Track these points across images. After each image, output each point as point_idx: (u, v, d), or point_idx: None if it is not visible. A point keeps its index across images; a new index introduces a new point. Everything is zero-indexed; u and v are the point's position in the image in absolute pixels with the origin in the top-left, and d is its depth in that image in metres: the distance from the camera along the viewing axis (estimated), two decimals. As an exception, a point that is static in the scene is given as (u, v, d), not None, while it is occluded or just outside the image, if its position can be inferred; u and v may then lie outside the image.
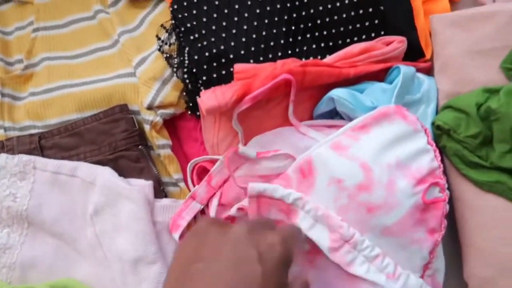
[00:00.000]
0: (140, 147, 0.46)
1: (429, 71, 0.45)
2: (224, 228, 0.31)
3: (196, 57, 0.43)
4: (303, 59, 0.43)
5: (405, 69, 0.40)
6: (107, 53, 0.49)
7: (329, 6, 0.42)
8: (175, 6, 0.44)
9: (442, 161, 0.40)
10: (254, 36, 0.43)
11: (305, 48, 0.44)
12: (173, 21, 0.45)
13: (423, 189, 0.38)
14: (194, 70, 0.44)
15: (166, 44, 0.46)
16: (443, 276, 0.40)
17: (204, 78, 0.43)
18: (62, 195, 0.46)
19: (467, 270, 0.42)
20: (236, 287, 0.27)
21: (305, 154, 0.39)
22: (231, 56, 0.42)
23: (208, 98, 0.38)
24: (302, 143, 0.41)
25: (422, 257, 0.39)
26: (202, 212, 0.46)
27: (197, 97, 0.44)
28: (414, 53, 0.44)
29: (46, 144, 0.47)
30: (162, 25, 0.46)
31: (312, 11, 0.43)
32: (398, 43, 0.41)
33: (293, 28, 0.43)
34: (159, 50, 0.46)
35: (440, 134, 0.42)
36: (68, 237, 0.46)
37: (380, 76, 0.42)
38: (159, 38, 0.46)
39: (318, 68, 0.39)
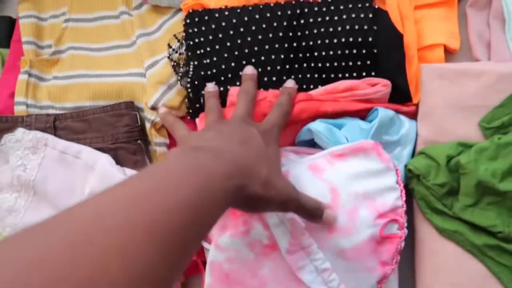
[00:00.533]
0: (139, 141, 0.51)
1: (413, 116, 0.47)
2: (220, 122, 0.40)
3: (199, 71, 0.47)
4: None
5: (383, 113, 0.42)
6: (124, 51, 0.54)
7: (327, 41, 0.45)
8: (188, 20, 0.48)
9: (407, 202, 0.42)
10: (253, 60, 0.46)
11: (300, 76, 0.46)
12: (185, 33, 0.49)
13: (382, 223, 0.41)
14: (196, 83, 0.47)
15: (176, 52, 0.50)
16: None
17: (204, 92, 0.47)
18: (65, 173, 0.51)
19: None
20: (245, 144, 0.34)
21: (283, 168, 0.42)
22: (229, 76, 0.46)
23: None
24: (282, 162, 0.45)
25: (370, 285, 0.42)
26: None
27: (197, 105, 0.49)
28: (402, 96, 0.46)
29: (59, 125, 0.53)
30: (175, 35, 0.50)
31: (311, 43, 0.45)
32: (382, 86, 0.43)
33: (291, 56, 0.46)
34: (168, 57, 0.50)
35: (411, 177, 0.45)
36: (65, 210, 0.51)
37: (362, 114, 0.45)
38: (170, 47, 0.50)
39: (301, 104, 0.42)
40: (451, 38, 0.46)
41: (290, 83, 0.45)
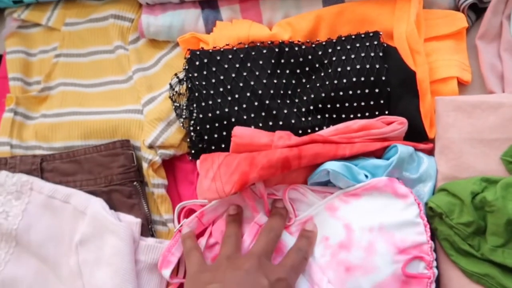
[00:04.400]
0: (135, 183, 0.47)
1: (431, 152, 0.44)
2: (234, 259, 0.38)
3: (201, 115, 0.44)
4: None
5: (402, 149, 0.40)
6: (120, 87, 0.51)
7: (335, 82, 0.43)
8: (186, 67, 0.46)
9: (433, 240, 0.39)
10: (256, 103, 0.44)
11: (310, 119, 0.44)
12: (186, 77, 0.46)
13: (404, 259, 0.38)
14: (200, 125, 0.44)
15: (177, 93, 0.47)
16: None
17: (206, 137, 0.44)
18: (52, 220, 0.47)
19: None
20: None
21: (307, 213, 0.42)
22: (233, 119, 0.44)
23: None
24: (300, 200, 0.42)
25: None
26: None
27: (199, 145, 0.45)
28: (417, 134, 0.44)
29: (47, 166, 0.48)
30: (176, 74, 0.47)
31: (318, 84, 0.43)
32: (399, 124, 0.41)
33: (296, 101, 0.44)
34: (170, 98, 0.47)
35: (433, 216, 0.42)
36: (51, 262, 0.46)
37: (378, 153, 0.42)
38: (171, 87, 0.47)
39: (314, 148, 0.39)
40: (463, 70, 0.45)
41: (310, 226, 0.41)
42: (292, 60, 0.45)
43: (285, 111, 0.44)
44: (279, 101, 0.44)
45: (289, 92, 0.44)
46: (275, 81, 0.44)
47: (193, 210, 0.46)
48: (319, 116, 0.44)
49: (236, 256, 0.38)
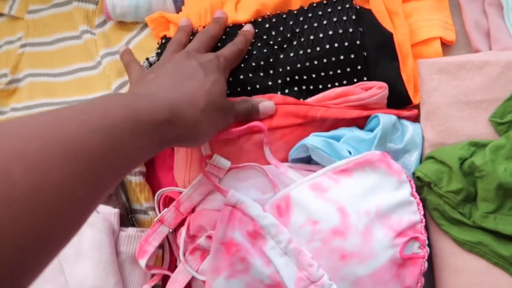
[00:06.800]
0: (111, 172, 0.45)
1: (416, 119, 0.42)
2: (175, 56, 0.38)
3: None
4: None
5: (385, 119, 0.37)
6: (89, 74, 0.49)
7: (309, 50, 0.40)
8: (159, 51, 0.44)
9: (424, 215, 0.37)
10: (230, 79, 0.41)
11: (286, 91, 0.42)
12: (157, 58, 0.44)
13: (402, 242, 0.36)
14: None
15: None
16: None
17: None
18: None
19: (440, 335, 0.39)
20: (181, 82, 0.34)
21: (283, 191, 0.38)
22: None
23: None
24: (280, 180, 0.40)
25: (393, 315, 0.36)
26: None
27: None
28: (400, 100, 0.41)
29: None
30: (147, 59, 0.45)
31: (291, 54, 0.41)
32: (378, 89, 0.39)
33: (271, 73, 0.42)
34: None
35: (421, 186, 0.40)
36: (32, 259, 0.45)
37: (360, 122, 0.40)
38: None
39: (285, 107, 0.37)
40: (446, 30, 0.42)
41: (247, 27, 0.43)
42: (264, 37, 0.42)
43: (260, 85, 0.41)
44: (252, 75, 0.42)
45: (263, 64, 0.42)
46: (246, 56, 0.42)
47: (171, 198, 0.44)
48: (296, 88, 0.42)
49: (174, 55, 0.39)
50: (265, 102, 0.39)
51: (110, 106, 0.27)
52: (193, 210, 0.42)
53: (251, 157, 0.41)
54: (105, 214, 0.43)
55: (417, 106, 0.42)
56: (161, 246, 0.45)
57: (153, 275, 0.44)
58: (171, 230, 0.43)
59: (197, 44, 0.40)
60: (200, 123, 0.33)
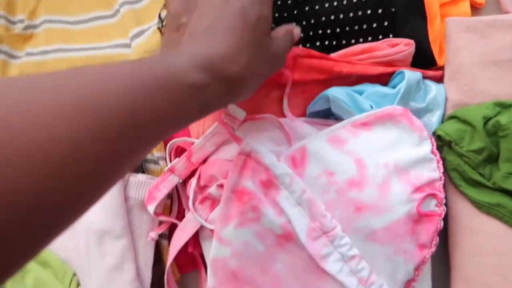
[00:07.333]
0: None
1: (440, 80, 0.41)
2: None
3: None
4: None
5: (410, 75, 0.37)
6: (106, 22, 0.48)
7: (335, 3, 0.39)
8: None
9: (443, 174, 0.37)
10: None
11: (308, 45, 0.41)
12: None
13: (419, 198, 0.35)
14: None
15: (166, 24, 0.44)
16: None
17: None
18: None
19: (453, 296, 0.38)
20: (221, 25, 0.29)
21: (299, 144, 0.38)
22: None
23: None
24: (295, 133, 0.39)
25: (407, 271, 0.36)
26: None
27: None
28: (425, 61, 0.40)
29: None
30: (165, 5, 0.44)
31: (317, 7, 0.40)
32: (405, 45, 0.38)
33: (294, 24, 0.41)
34: (158, 28, 0.44)
35: (441, 146, 0.39)
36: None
37: (383, 79, 0.39)
38: (160, 18, 0.44)
39: (309, 60, 0.36)
40: (476, -10, 0.42)
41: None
42: None
43: None
44: (274, 26, 0.41)
45: (286, 16, 0.41)
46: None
47: (183, 149, 0.43)
48: (318, 43, 0.41)
49: None
50: (295, 30, 0.35)
51: (136, 67, 0.24)
52: (204, 162, 0.42)
53: (267, 112, 0.40)
54: (117, 160, 0.42)
55: (441, 68, 0.41)
56: (169, 197, 0.44)
57: (160, 223, 0.44)
58: (181, 181, 0.42)
59: None
60: (245, 77, 0.29)
